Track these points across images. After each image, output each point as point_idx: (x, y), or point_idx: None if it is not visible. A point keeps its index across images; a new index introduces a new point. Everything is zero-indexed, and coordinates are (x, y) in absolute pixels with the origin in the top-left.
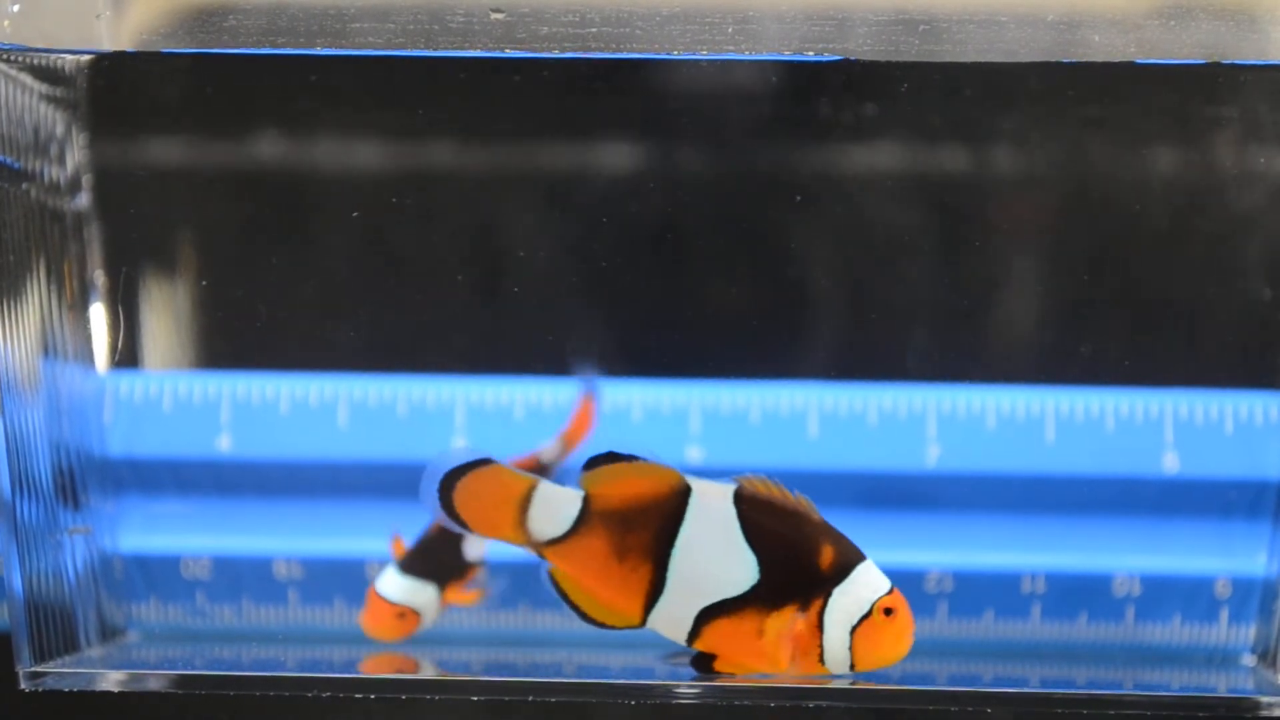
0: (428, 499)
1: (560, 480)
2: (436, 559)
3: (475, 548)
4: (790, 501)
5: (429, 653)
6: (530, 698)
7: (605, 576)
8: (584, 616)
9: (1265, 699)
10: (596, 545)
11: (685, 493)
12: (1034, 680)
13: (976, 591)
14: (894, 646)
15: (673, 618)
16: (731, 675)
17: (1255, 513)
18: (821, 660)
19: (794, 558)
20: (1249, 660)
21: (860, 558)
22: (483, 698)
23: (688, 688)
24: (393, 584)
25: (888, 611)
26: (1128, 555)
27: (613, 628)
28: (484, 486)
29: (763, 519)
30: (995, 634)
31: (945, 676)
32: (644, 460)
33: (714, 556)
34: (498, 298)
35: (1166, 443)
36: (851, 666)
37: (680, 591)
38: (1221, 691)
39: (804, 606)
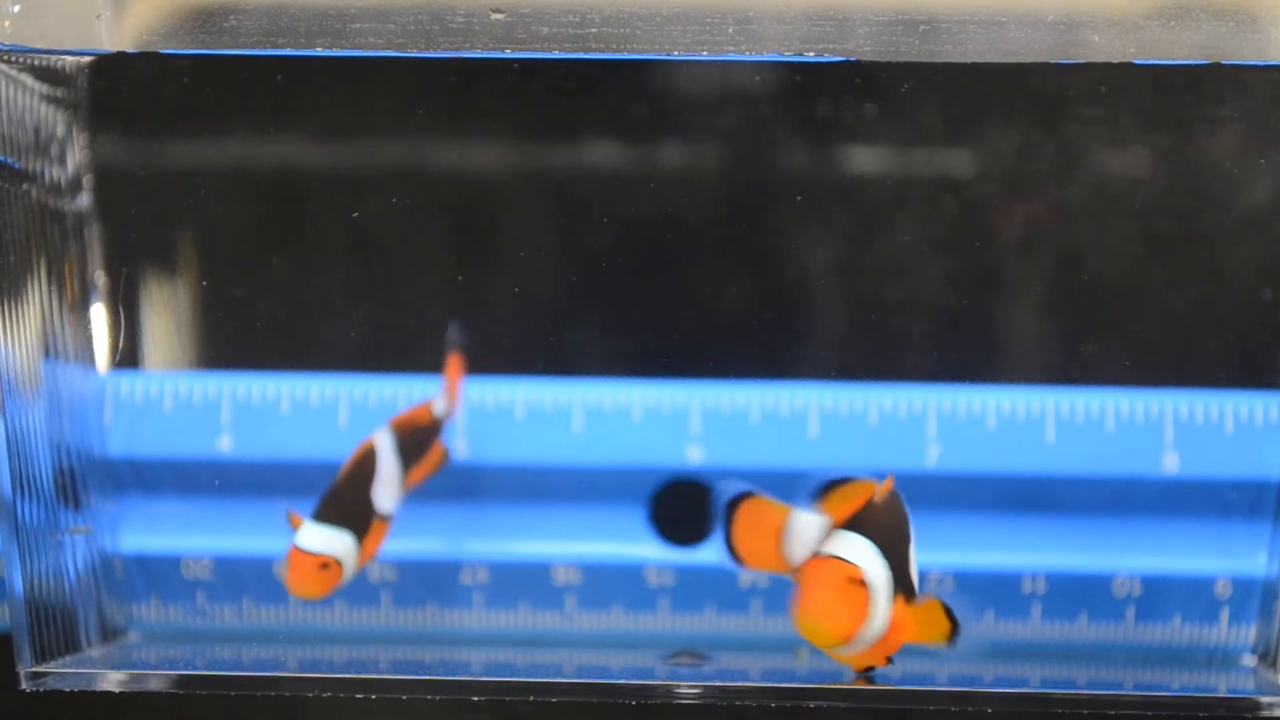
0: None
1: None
2: (349, 507)
3: (385, 499)
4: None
5: (431, 652)
6: (530, 698)
7: None
8: None
9: (1265, 699)
10: None
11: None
12: (1034, 680)
13: (977, 591)
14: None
15: None
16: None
17: (1255, 513)
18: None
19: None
20: (1249, 660)
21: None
22: (483, 698)
23: (688, 688)
24: (312, 534)
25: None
26: (1128, 555)
27: None
28: (754, 517)
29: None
30: (995, 634)
31: (945, 676)
32: (859, 479)
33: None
34: (498, 298)
35: (1166, 443)
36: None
37: None
38: (1221, 691)
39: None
